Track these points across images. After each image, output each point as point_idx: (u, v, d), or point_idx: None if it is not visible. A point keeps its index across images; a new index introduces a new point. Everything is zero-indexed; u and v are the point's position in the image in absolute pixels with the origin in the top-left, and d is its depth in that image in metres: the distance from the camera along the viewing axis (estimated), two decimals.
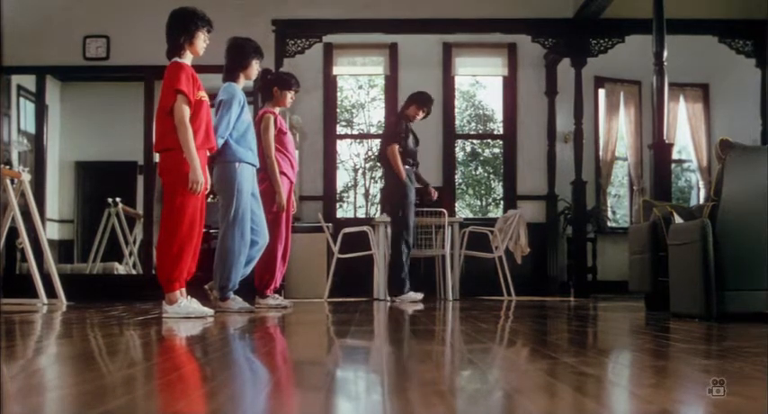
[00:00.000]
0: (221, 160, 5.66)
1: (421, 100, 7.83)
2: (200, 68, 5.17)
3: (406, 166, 7.65)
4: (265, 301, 6.34)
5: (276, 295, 6.45)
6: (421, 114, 7.84)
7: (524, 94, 10.00)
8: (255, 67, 5.88)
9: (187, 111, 4.83)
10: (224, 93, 5.73)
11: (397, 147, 7.62)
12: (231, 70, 5.82)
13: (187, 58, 5.02)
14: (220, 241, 5.71)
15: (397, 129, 7.69)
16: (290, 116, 6.80)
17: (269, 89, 6.46)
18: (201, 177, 4.83)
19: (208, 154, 5.16)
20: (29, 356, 2.97)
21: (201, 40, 5.05)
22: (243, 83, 5.87)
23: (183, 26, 5.01)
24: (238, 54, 5.82)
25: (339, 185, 11.76)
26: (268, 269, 6.36)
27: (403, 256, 7.60)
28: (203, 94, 5.00)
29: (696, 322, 4.62)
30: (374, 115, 13.63)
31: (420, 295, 7.64)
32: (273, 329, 4.47)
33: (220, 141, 5.54)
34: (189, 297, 4.99)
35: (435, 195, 8.06)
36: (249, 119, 5.80)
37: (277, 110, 6.49)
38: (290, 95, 6.51)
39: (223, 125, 5.59)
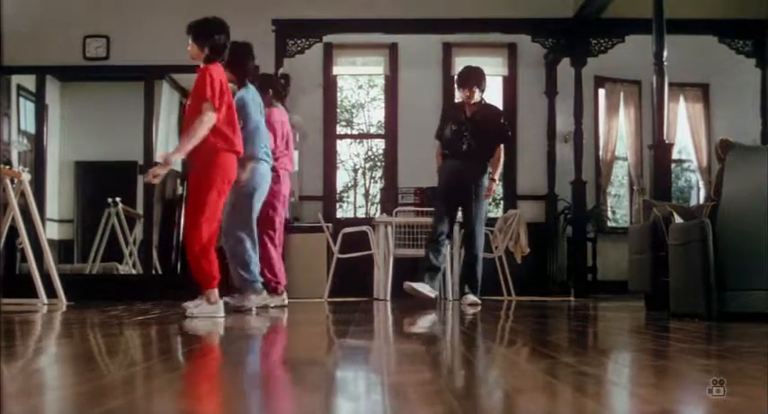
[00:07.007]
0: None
1: (458, 82, 7.32)
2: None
3: (446, 152, 7.13)
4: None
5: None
6: (468, 93, 7.10)
7: (524, 93, 9.98)
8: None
9: (212, 118, 4.81)
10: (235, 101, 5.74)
11: (438, 142, 7.31)
12: (239, 78, 5.81)
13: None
14: (230, 239, 5.70)
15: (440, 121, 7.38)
16: (291, 116, 6.78)
17: (265, 93, 6.49)
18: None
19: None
20: (29, 356, 2.96)
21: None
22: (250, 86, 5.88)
23: (226, 35, 4.99)
24: (237, 62, 5.78)
25: (339, 185, 11.75)
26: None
27: (425, 250, 7.13)
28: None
29: (696, 322, 4.62)
30: (374, 115, 13.62)
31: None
32: (274, 329, 4.47)
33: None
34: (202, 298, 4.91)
35: (492, 191, 7.35)
36: (259, 118, 5.81)
37: (280, 106, 6.53)
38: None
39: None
